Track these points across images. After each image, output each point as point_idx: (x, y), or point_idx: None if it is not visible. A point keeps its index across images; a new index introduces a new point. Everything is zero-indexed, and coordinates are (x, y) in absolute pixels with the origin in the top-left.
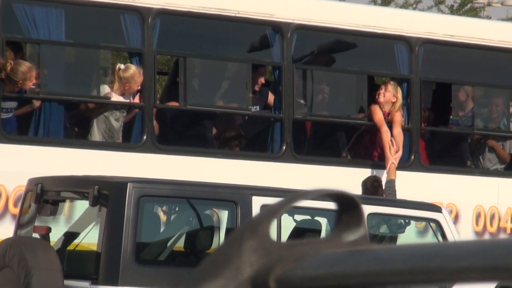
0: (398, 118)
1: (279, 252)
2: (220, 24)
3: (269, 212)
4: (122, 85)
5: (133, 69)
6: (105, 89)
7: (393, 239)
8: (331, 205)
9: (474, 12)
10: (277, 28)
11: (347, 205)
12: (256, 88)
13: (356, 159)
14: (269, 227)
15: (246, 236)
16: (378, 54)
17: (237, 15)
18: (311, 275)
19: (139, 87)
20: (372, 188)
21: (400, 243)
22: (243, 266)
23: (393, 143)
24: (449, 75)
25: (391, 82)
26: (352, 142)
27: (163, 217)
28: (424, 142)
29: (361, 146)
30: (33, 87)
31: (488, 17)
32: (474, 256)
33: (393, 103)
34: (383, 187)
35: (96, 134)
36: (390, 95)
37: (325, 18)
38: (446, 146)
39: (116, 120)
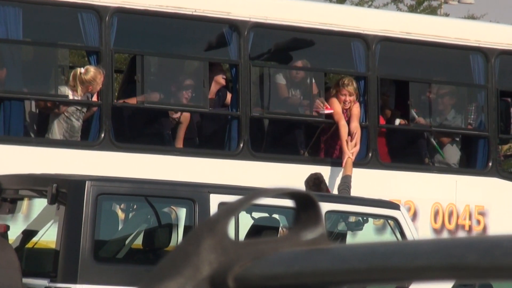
0: (356, 112)
1: (238, 251)
2: (177, 22)
3: (227, 211)
4: (85, 88)
5: (92, 70)
6: (66, 91)
7: (352, 236)
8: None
9: (432, 10)
10: (234, 26)
11: (305, 204)
12: (214, 89)
13: (314, 156)
14: (227, 225)
15: (205, 235)
16: (335, 51)
17: (194, 13)
18: (269, 273)
19: (101, 86)
20: (314, 186)
21: (358, 242)
22: (201, 265)
23: (351, 138)
24: (406, 73)
25: (347, 80)
26: (310, 139)
27: (121, 215)
28: (381, 140)
29: (318, 143)
30: None
31: (446, 15)
32: (431, 254)
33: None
34: (326, 183)
35: (56, 133)
36: (353, 98)
37: (282, 16)
38: (403, 144)
39: (77, 120)
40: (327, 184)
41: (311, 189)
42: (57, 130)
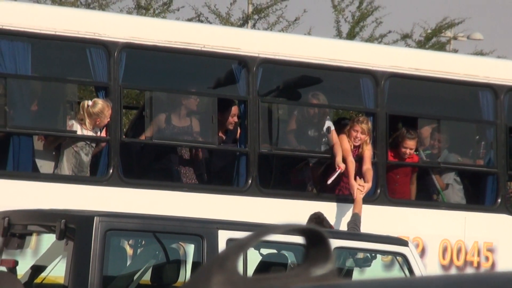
0: (368, 153)
1: (247, 287)
2: (186, 58)
3: (237, 247)
4: (93, 121)
5: (100, 103)
6: (74, 125)
7: (360, 273)
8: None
9: (441, 46)
10: (243, 62)
11: (315, 240)
12: (230, 126)
13: (322, 193)
14: (237, 261)
15: (214, 271)
16: (344, 87)
17: (203, 49)
18: None
19: (109, 120)
20: (316, 226)
21: (367, 278)
22: None
23: (363, 179)
24: (415, 109)
25: (363, 118)
26: (318, 176)
27: (129, 251)
28: (390, 176)
29: (326, 180)
30: None
31: (455, 51)
32: None
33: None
34: (328, 221)
35: (65, 168)
36: (364, 137)
37: (291, 52)
38: (411, 180)
39: (86, 155)
40: (333, 221)
41: None
42: (66, 165)
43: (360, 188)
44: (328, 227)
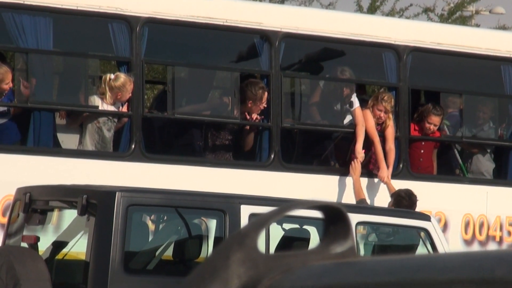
0: (391, 132)
1: (267, 264)
2: (208, 32)
3: (257, 224)
4: (114, 95)
5: (123, 77)
6: (95, 100)
7: (383, 247)
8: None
9: (463, 20)
10: (265, 36)
11: (334, 217)
12: (261, 106)
13: (345, 167)
14: (257, 239)
15: (234, 248)
16: (366, 62)
17: (225, 23)
18: (299, 286)
19: (130, 95)
20: (410, 201)
21: (387, 255)
22: (230, 278)
23: (386, 158)
24: (438, 83)
25: (387, 97)
26: (341, 150)
27: (151, 226)
28: (412, 151)
29: (349, 154)
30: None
31: (477, 25)
32: (460, 268)
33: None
34: (410, 200)
35: (88, 144)
36: (388, 115)
37: (313, 26)
38: (434, 155)
39: (108, 131)
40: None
41: (403, 203)
42: (88, 141)
43: (387, 174)
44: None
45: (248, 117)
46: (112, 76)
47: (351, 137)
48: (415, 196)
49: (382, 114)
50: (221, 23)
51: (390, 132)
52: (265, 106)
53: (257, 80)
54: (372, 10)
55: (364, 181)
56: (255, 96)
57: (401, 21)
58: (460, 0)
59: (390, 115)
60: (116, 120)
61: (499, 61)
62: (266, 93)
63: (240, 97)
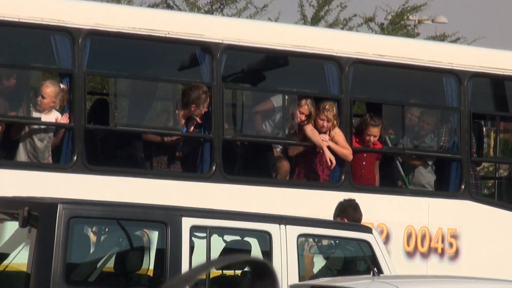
0: (340, 138)
1: None
2: (150, 44)
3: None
4: (48, 103)
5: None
6: (31, 111)
7: (324, 260)
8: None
9: (403, 27)
10: (207, 48)
11: (262, 273)
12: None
13: (287, 178)
14: None
15: None
16: (308, 73)
17: (167, 35)
18: None
19: (64, 103)
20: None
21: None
22: None
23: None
24: (379, 95)
25: (328, 106)
26: (282, 161)
27: (93, 238)
28: (354, 162)
29: (291, 166)
30: None
31: (417, 34)
32: None
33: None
34: (354, 211)
35: (21, 154)
36: (330, 124)
37: (255, 38)
38: (376, 166)
39: (41, 141)
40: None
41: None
42: (21, 151)
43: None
44: (354, 217)
45: (187, 121)
46: (47, 82)
47: (292, 149)
48: (355, 201)
49: (325, 123)
50: (163, 35)
51: (339, 138)
52: (207, 110)
53: (201, 84)
54: (316, 20)
55: (298, 192)
56: (198, 100)
57: (343, 32)
58: (401, 9)
59: (335, 123)
60: (50, 131)
61: (441, 73)
62: (208, 97)
63: (182, 100)
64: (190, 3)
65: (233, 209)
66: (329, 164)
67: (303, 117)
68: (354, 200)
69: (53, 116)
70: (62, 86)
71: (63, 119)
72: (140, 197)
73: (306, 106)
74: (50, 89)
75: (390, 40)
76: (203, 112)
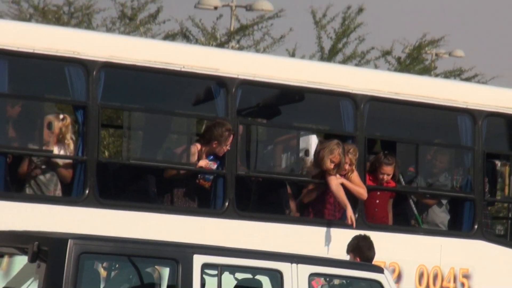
0: (357, 179)
1: None
2: (165, 78)
3: None
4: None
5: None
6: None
7: None
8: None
9: (421, 61)
10: (222, 82)
11: None
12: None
13: (300, 216)
14: None
15: None
16: (323, 110)
17: (182, 69)
18: None
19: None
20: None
21: None
22: None
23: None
24: (394, 133)
25: (351, 150)
26: (296, 199)
27: (103, 274)
28: (367, 201)
29: (305, 203)
30: None
31: (435, 68)
32: None
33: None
34: (367, 248)
35: (25, 187)
36: (351, 167)
37: (270, 73)
38: (389, 205)
39: (52, 173)
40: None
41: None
42: (26, 184)
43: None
44: (368, 256)
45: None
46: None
47: (306, 185)
48: (370, 238)
49: (347, 166)
50: (179, 69)
51: (355, 177)
52: (229, 148)
53: (224, 121)
54: (333, 52)
55: (312, 229)
56: (221, 137)
57: (358, 69)
58: (418, 43)
59: (354, 167)
60: (64, 163)
61: (456, 112)
62: (232, 136)
63: (205, 136)
64: (207, 34)
65: (246, 245)
66: (350, 222)
67: (332, 166)
68: (369, 238)
69: (63, 148)
70: (67, 118)
71: (73, 151)
72: (152, 233)
73: (338, 156)
74: (58, 122)
75: (406, 77)
76: (225, 150)
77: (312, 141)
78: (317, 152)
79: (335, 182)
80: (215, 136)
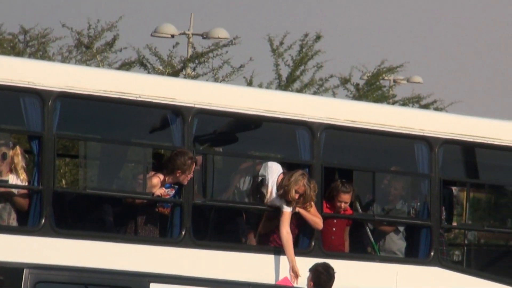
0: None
1: None
2: (121, 107)
3: None
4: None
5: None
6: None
7: None
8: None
9: (380, 91)
10: (178, 112)
11: None
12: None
13: (257, 244)
14: None
15: None
16: (280, 138)
17: (139, 98)
18: None
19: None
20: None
21: None
22: None
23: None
24: (351, 161)
25: (312, 185)
26: (253, 227)
27: None
28: (324, 228)
29: (261, 231)
30: None
31: (393, 95)
32: None
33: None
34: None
35: None
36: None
37: (226, 102)
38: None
39: (5, 203)
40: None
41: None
42: None
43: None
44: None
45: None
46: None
47: (262, 214)
48: (332, 269)
49: (307, 204)
50: (135, 98)
51: (313, 210)
52: (192, 176)
53: (186, 150)
54: (291, 80)
55: (269, 257)
56: (184, 165)
57: (315, 98)
58: (377, 70)
59: (312, 203)
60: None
61: (413, 139)
62: (194, 164)
63: (168, 166)
64: (163, 62)
65: (203, 274)
66: (293, 280)
67: (296, 196)
68: (331, 271)
69: (17, 177)
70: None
71: (25, 179)
72: (109, 262)
73: (303, 187)
74: (11, 151)
75: (362, 105)
76: (189, 178)
77: (274, 169)
78: (281, 182)
79: (286, 221)
80: (178, 166)
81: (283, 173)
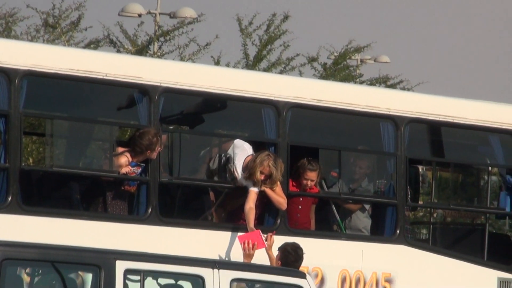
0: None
1: None
2: (88, 86)
3: None
4: None
5: None
6: None
7: None
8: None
9: (346, 68)
10: (145, 90)
11: None
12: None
13: (222, 222)
14: None
15: None
16: (246, 117)
17: (105, 77)
18: None
19: None
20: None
21: None
22: None
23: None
24: (317, 139)
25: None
26: (218, 204)
27: (26, 280)
28: (290, 206)
29: (226, 208)
30: None
31: (360, 75)
32: None
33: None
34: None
35: None
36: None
37: (193, 81)
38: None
39: None
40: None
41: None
42: None
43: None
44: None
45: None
46: None
47: (231, 192)
48: (301, 250)
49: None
50: (101, 77)
51: (278, 189)
52: (162, 148)
53: (148, 128)
54: (258, 59)
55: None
56: (151, 144)
57: (281, 77)
58: (344, 49)
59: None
60: None
61: (378, 118)
62: (160, 138)
63: (135, 147)
64: (129, 39)
65: (169, 251)
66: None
67: (262, 177)
68: (300, 251)
69: None
70: None
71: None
72: (75, 239)
73: (267, 167)
74: None
75: (328, 84)
76: (158, 152)
77: (239, 146)
78: (247, 163)
79: (252, 199)
80: (146, 146)
81: (252, 154)
